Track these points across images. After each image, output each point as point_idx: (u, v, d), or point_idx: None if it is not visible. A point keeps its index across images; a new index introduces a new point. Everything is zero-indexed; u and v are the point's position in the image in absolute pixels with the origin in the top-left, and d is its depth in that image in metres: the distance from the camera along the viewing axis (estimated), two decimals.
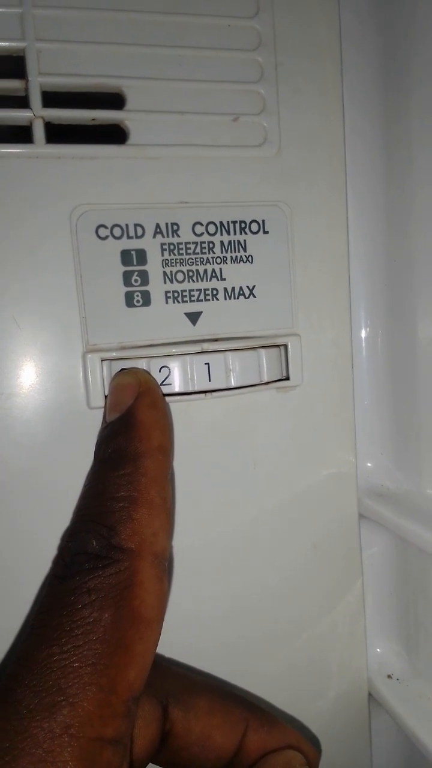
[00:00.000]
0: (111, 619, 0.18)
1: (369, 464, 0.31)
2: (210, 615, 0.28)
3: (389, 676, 0.31)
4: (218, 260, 0.26)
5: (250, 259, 0.26)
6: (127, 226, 0.25)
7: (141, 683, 0.19)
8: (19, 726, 0.16)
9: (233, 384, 0.26)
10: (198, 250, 0.26)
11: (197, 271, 0.26)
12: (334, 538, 0.30)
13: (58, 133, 0.24)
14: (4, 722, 0.17)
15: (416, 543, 0.27)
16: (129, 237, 0.25)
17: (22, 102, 0.24)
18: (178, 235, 0.25)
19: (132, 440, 0.21)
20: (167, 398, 0.24)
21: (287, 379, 0.27)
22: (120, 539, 0.19)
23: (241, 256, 0.26)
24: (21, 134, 0.24)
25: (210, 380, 0.25)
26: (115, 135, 0.25)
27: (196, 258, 0.26)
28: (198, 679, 0.23)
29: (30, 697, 0.17)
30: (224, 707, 0.22)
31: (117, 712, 0.17)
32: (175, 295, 0.26)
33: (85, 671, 0.17)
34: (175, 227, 0.25)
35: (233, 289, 0.26)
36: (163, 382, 0.25)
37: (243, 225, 0.26)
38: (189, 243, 0.26)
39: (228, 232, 0.26)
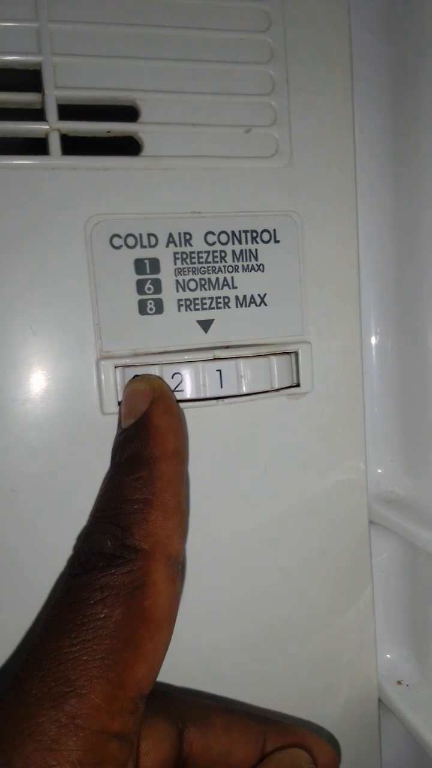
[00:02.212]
0: (122, 616, 0.18)
1: (379, 470, 0.31)
2: (219, 620, 0.28)
3: (399, 683, 0.31)
4: (230, 269, 0.26)
5: (261, 267, 0.27)
6: (140, 235, 0.25)
7: (149, 682, 0.19)
8: (26, 713, 0.17)
9: (245, 390, 0.26)
10: (210, 259, 0.26)
11: (209, 279, 0.26)
12: (344, 544, 0.30)
13: (73, 145, 0.24)
14: (12, 708, 0.17)
15: (426, 549, 0.27)
16: (142, 246, 0.25)
17: (39, 115, 0.24)
18: (191, 245, 0.26)
19: (147, 445, 0.21)
20: (180, 404, 0.25)
21: (298, 386, 0.28)
22: (134, 540, 0.19)
23: (252, 265, 0.27)
24: (37, 146, 0.24)
25: (222, 387, 0.26)
26: (130, 147, 0.25)
27: (208, 267, 0.26)
28: (212, 703, 0.24)
29: (39, 686, 0.17)
30: (241, 722, 0.22)
31: (124, 707, 0.18)
32: (188, 303, 0.26)
33: (94, 665, 0.17)
34: (187, 237, 0.26)
35: (245, 297, 0.27)
36: (175, 388, 0.25)
37: (254, 234, 0.27)
38: (201, 252, 0.26)
39: (240, 242, 0.26)
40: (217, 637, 0.28)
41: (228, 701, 0.28)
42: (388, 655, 0.32)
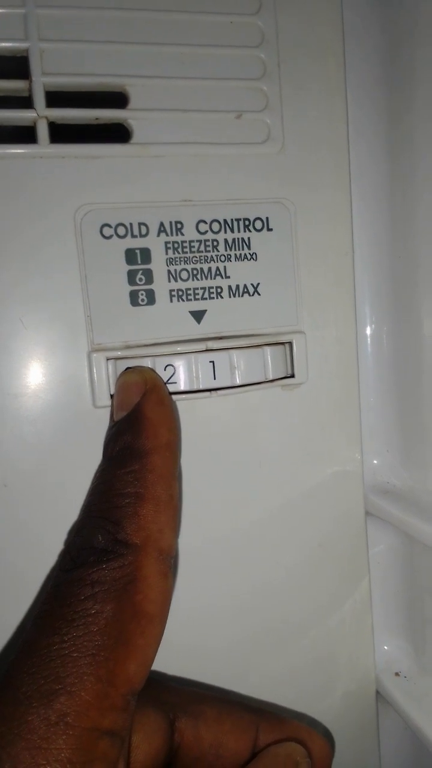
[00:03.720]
0: (113, 611, 0.18)
1: (375, 461, 0.31)
2: (216, 614, 0.28)
3: (397, 674, 0.31)
4: (222, 258, 0.26)
5: (254, 256, 0.26)
6: (131, 225, 0.25)
7: (141, 679, 0.19)
8: (15, 711, 0.16)
9: (238, 382, 0.26)
10: (202, 248, 0.26)
11: (201, 269, 0.26)
12: (341, 535, 0.30)
13: (61, 133, 0.24)
14: (1, 706, 0.17)
15: (423, 540, 0.27)
16: (133, 236, 0.25)
17: (26, 102, 0.24)
18: (182, 234, 0.25)
19: (139, 437, 0.21)
20: (172, 397, 0.24)
21: (292, 376, 0.27)
22: (125, 534, 0.19)
23: (245, 254, 0.26)
24: (25, 134, 0.24)
25: (215, 378, 0.25)
26: (119, 134, 0.25)
27: (200, 256, 0.26)
28: (204, 692, 0.23)
29: (28, 683, 0.17)
30: (232, 713, 0.22)
31: (115, 704, 0.17)
32: (180, 293, 0.26)
33: (84, 661, 0.17)
34: (179, 225, 0.25)
35: (237, 287, 0.26)
36: (168, 380, 0.25)
37: (247, 222, 0.26)
38: (193, 241, 0.26)
39: (232, 230, 0.26)
40: (212, 632, 0.28)
41: (221, 692, 0.28)
42: (385, 647, 0.32)
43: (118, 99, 0.25)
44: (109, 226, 0.25)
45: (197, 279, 0.26)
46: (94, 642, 0.17)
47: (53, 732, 0.16)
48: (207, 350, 0.25)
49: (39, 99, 0.24)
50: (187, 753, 0.21)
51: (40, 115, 0.24)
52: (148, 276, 0.25)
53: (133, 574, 0.19)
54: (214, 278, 0.26)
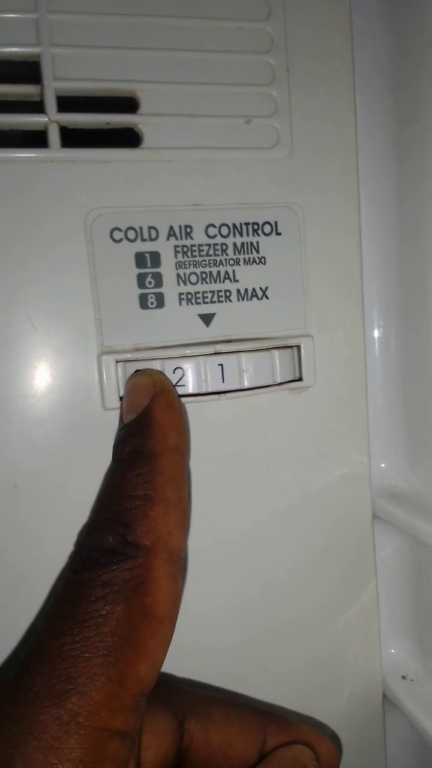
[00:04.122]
0: (123, 613, 0.18)
1: (382, 464, 0.31)
2: (223, 615, 0.28)
3: (403, 677, 0.31)
4: (231, 262, 0.26)
5: (262, 260, 0.27)
6: (141, 228, 0.25)
7: (151, 679, 0.19)
8: (28, 711, 0.17)
9: (246, 385, 0.26)
10: (211, 252, 0.26)
11: (210, 272, 0.26)
12: (348, 538, 0.30)
13: (72, 137, 0.24)
14: (13, 707, 0.17)
15: (430, 543, 0.27)
16: (143, 240, 0.25)
17: (38, 107, 0.24)
18: (192, 238, 0.26)
19: (149, 440, 0.21)
20: (181, 399, 0.25)
21: (300, 379, 0.27)
22: (135, 536, 0.19)
23: (253, 258, 0.26)
24: (36, 138, 0.24)
25: (223, 381, 0.25)
26: (129, 138, 0.25)
27: (209, 260, 0.26)
28: (212, 694, 0.23)
29: (40, 683, 0.17)
30: (241, 716, 0.22)
31: (125, 705, 0.18)
32: (189, 296, 0.26)
33: (96, 662, 0.17)
34: (188, 229, 0.26)
35: (246, 290, 0.26)
36: (177, 383, 0.25)
37: (256, 227, 0.26)
38: (202, 245, 0.26)
39: (241, 234, 0.26)
40: (221, 633, 0.28)
41: (229, 693, 0.28)
42: (392, 650, 0.32)
43: (128, 104, 0.25)
44: (119, 229, 0.25)
45: (206, 282, 0.26)
46: (105, 643, 0.18)
47: (65, 731, 0.16)
48: (216, 353, 0.25)
49: (50, 104, 0.24)
50: (195, 754, 0.21)
51: (52, 119, 0.24)
52: (158, 279, 0.25)
53: (143, 575, 0.19)
54: (223, 282, 0.26)
